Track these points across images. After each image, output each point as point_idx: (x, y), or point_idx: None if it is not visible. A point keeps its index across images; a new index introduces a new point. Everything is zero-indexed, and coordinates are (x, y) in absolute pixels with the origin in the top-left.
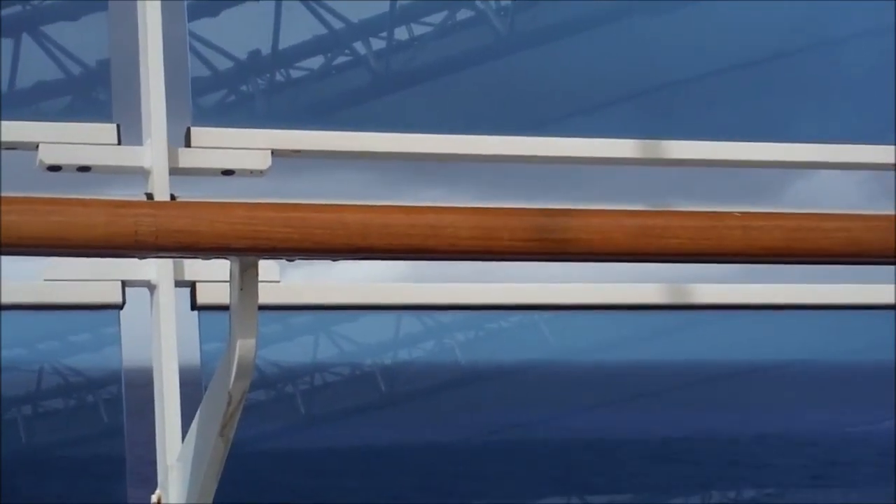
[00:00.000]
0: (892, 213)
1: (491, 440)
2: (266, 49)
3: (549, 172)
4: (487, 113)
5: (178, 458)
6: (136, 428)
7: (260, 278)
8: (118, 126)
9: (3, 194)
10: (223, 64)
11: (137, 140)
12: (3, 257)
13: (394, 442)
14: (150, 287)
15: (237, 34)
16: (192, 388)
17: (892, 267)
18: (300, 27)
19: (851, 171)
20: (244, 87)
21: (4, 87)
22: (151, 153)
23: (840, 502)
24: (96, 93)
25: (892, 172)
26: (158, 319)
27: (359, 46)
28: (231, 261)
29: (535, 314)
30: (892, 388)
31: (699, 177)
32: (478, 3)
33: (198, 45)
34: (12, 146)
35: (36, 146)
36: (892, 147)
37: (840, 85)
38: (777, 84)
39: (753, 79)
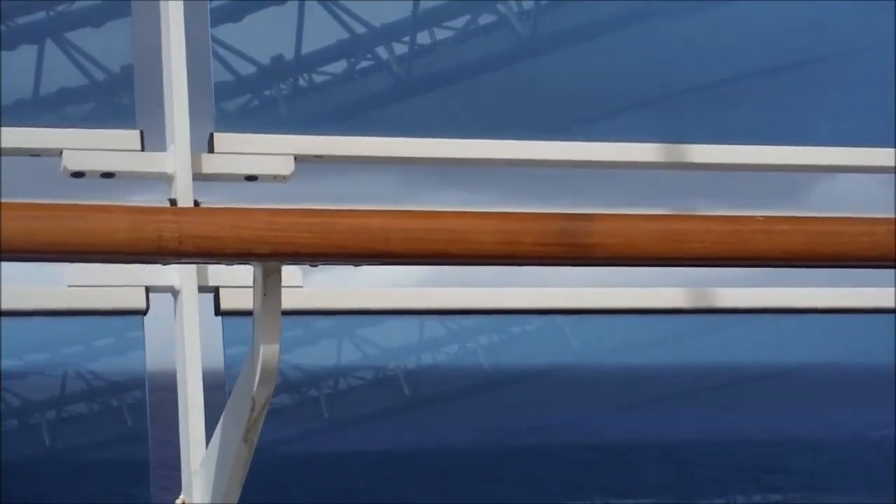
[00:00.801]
0: None
1: (514, 443)
2: (289, 54)
3: (572, 176)
4: (509, 117)
5: (202, 462)
6: (160, 432)
7: (283, 283)
8: (141, 132)
9: (28, 201)
10: (246, 69)
11: (161, 146)
12: (28, 263)
13: (418, 445)
14: (174, 293)
15: (260, 39)
16: (216, 393)
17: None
18: (323, 32)
19: (876, 174)
20: (267, 92)
21: (29, 94)
22: (175, 159)
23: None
24: (120, 98)
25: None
26: (182, 325)
27: (381, 51)
28: (254, 266)
29: (558, 318)
30: (892, 391)
31: (723, 180)
32: (499, 6)
33: (221, 50)
34: (36, 152)
35: (60, 152)
36: None
37: (859, 89)
38: (797, 88)
39: (774, 83)
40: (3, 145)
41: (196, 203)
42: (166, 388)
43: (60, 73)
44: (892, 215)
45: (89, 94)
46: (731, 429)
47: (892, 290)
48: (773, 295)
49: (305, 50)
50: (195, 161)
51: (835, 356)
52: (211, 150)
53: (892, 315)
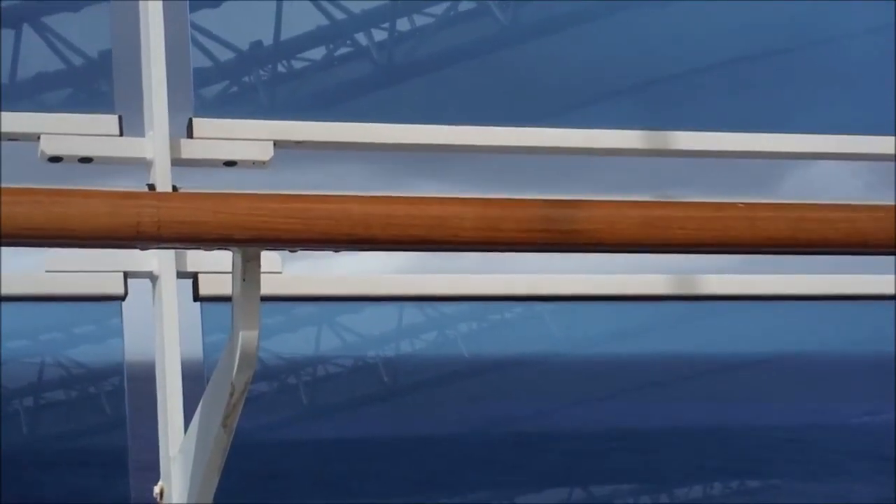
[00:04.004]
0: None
1: (493, 431)
2: (268, 40)
3: (553, 163)
4: (490, 104)
5: (180, 449)
6: (139, 419)
7: (262, 269)
8: (120, 117)
9: (5, 185)
10: (225, 55)
11: (139, 131)
12: (5, 248)
13: (396, 433)
14: (153, 278)
15: (239, 25)
16: (195, 380)
17: (893, 257)
18: (302, 18)
19: (850, 161)
20: (246, 78)
21: (6, 79)
22: (153, 144)
23: (840, 493)
24: (98, 84)
25: (892, 163)
26: (161, 311)
27: (361, 37)
28: (233, 252)
29: (538, 305)
30: (892, 380)
31: (699, 167)
32: None
33: (199, 35)
34: (14, 137)
35: (37, 137)
36: (893, 138)
37: (841, 77)
38: (779, 76)
39: (757, 70)
40: None
41: (175, 189)
42: (145, 374)
43: (38, 58)
44: (867, 202)
45: (67, 79)
46: (712, 416)
47: (878, 276)
48: (755, 282)
49: (284, 36)
50: (174, 146)
51: (817, 344)
52: (190, 135)
53: (872, 303)
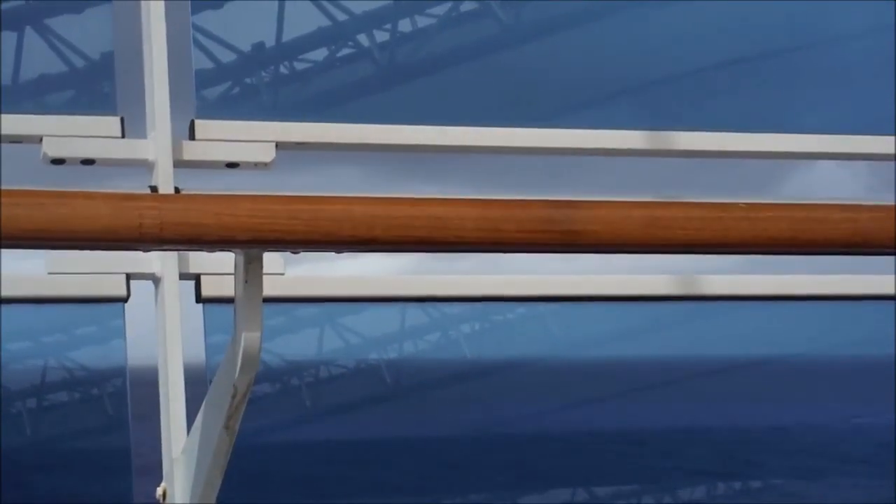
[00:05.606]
0: None
1: (496, 432)
2: (270, 41)
3: (555, 164)
4: (492, 105)
5: (182, 450)
6: (141, 421)
7: (264, 271)
8: (122, 119)
9: (7, 187)
10: (227, 56)
11: (141, 133)
12: (7, 250)
13: (399, 434)
14: (155, 280)
15: (241, 26)
16: (197, 381)
17: (894, 257)
18: (304, 19)
19: (850, 161)
20: (248, 80)
21: (8, 81)
22: (155, 146)
23: (841, 495)
24: (100, 86)
25: (892, 163)
26: (163, 312)
27: (363, 38)
28: (236, 253)
29: (541, 306)
30: (892, 381)
31: (701, 168)
32: None
33: (201, 37)
34: (16, 139)
35: (40, 139)
36: (893, 138)
37: (841, 77)
38: (779, 76)
39: (758, 70)
40: None
41: (177, 190)
42: (147, 376)
43: (40, 60)
44: (870, 203)
45: (69, 81)
46: (713, 418)
47: (878, 276)
48: (756, 282)
49: (286, 37)
50: (176, 148)
51: (817, 345)
52: (192, 137)
53: (872, 303)
